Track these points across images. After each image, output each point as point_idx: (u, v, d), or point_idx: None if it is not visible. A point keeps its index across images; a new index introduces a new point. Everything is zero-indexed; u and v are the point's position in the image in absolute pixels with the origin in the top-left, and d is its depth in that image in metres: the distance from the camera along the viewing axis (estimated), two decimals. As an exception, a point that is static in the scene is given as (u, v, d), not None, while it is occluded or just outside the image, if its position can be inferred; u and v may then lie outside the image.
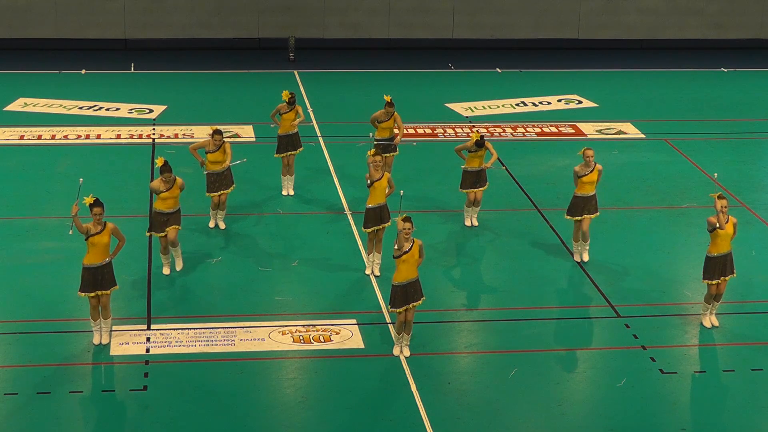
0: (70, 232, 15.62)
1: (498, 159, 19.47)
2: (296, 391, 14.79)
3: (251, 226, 19.75)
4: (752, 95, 28.83)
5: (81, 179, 16.10)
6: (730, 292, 17.35)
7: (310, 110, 25.66)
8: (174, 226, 17.56)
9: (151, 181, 20.98)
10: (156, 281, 17.59)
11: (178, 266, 17.82)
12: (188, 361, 15.35)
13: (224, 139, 19.04)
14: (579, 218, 18.32)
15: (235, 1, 31.60)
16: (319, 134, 24.44)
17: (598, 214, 18.44)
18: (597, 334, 16.59)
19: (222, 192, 19.17)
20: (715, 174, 17.43)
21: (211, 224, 19.52)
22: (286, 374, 15.22)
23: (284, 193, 21.10)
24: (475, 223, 19.94)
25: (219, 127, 19.31)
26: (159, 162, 17.34)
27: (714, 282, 16.38)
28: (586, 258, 18.56)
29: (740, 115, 27.15)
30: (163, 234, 17.52)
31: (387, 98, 20.34)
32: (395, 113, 20.40)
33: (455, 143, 24.24)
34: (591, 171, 18.16)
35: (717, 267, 16.31)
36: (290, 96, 20.35)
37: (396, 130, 20.65)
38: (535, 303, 17.35)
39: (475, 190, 19.56)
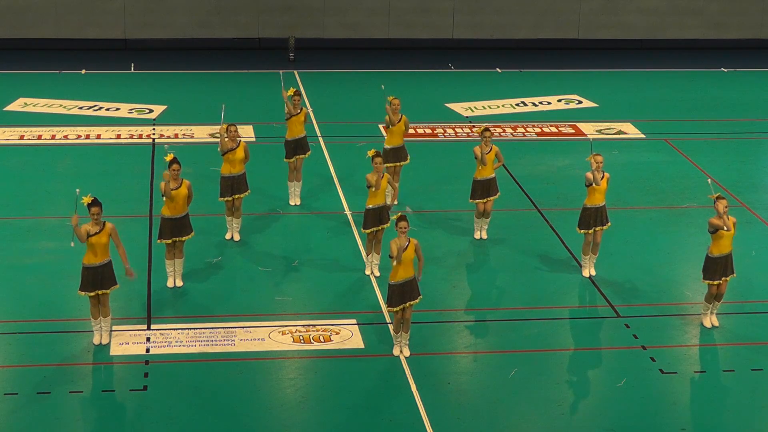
0: (72, 244, 15.52)
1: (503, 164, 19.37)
2: (296, 391, 14.79)
3: (251, 225, 19.73)
4: (752, 95, 28.82)
5: (78, 190, 15.84)
6: (730, 292, 17.33)
7: (310, 110, 25.66)
8: (182, 238, 17.26)
9: (152, 180, 20.95)
10: (156, 281, 17.58)
11: (179, 282, 17.53)
12: (188, 361, 15.35)
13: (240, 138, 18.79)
14: (591, 231, 17.88)
15: (235, 1, 31.60)
16: (319, 134, 24.43)
17: (609, 224, 17.96)
18: (597, 334, 16.58)
19: (236, 196, 18.81)
20: (709, 180, 17.36)
21: (228, 236, 19.16)
22: (286, 374, 15.21)
23: (291, 202, 20.64)
24: (485, 236, 19.40)
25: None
26: (168, 157, 17.12)
27: (715, 282, 16.35)
28: (593, 272, 18.16)
29: (740, 115, 27.14)
30: (170, 241, 17.29)
31: (390, 98, 20.20)
32: (404, 116, 20.10)
33: (455, 143, 24.25)
34: (602, 178, 17.60)
35: (719, 267, 16.28)
36: (295, 90, 20.21)
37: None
38: (535, 303, 17.35)
39: (484, 200, 19.06)
